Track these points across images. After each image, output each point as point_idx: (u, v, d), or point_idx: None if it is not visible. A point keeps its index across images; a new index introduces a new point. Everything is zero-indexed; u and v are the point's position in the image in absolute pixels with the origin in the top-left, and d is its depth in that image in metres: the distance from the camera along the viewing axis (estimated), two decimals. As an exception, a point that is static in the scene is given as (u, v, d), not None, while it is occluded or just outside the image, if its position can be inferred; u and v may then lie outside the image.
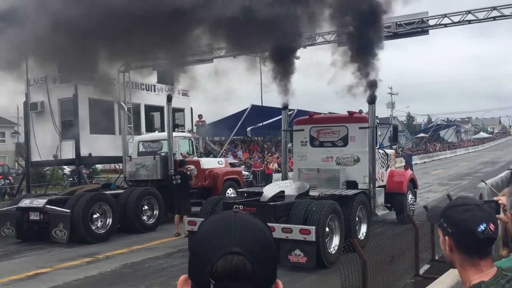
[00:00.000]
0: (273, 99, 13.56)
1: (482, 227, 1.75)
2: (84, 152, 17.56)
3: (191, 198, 13.26)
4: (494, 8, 15.08)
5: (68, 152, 17.60)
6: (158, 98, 20.98)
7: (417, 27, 15.75)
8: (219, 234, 1.10)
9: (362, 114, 12.64)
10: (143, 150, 16.31)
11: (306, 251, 8.54)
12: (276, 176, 28.09)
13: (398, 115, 71.35)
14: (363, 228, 10.65)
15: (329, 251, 9.08)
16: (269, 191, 10.34)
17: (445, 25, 15.71)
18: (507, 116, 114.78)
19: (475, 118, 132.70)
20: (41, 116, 18.28)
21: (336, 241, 9.42)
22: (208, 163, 16.63)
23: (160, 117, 21.85)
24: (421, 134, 73.13)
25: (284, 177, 13.17)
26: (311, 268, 8.58)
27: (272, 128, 34.14)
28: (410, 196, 13.66)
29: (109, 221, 12.65)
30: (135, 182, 15.44)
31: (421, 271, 8.31)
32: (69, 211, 11.77)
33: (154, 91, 21.14)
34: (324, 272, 8.64)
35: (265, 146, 33.79)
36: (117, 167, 24.46)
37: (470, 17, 15.39)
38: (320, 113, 13.89)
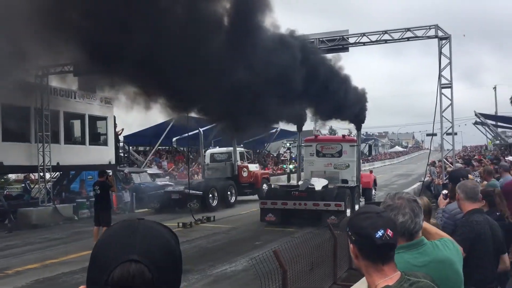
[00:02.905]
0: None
1: (379, 233, 1.83)
2: (-6, 161, 16.42)
3: (111, 208, 13.07)
4: (408, 29, 16.12)
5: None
6: (79, 105, 20.15)
7: (338, 44, 16.47)
8: (119, 241, 1.07)
9: (351, 136, 19.70)
10: (213, 159, 24.37)
11: (338, 216, 13.97)
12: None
13: (321, 129, 73.30)
14: (356, 207, 15.81)
15: (347, 216, 13.73)
16: (303, 184, 15.85)
17: (364, 44, 16.55)
18: (420, 131, 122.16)
19: (391, 133, 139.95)
20: None
21: (348, 211, 14.73)
22: (252, 167, 24.91)
23: (81, 125, 20.96)
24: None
25: (299, 178, 18.60)
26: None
27: (198, 138, 33.79)
28: (373, 191, 20.74)
29: (216, 200, 20.83)
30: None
31: (339, 280, 8.57)
32: (201, 192, 20.02)
33: (75, 98, 20.24)
34: (245, 283, 8.68)
35: (191, 156, 33.48)
36: (33, 176, 23.06)
37: (386, 36, 16.31)
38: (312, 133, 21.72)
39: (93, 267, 1.08)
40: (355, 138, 19.13)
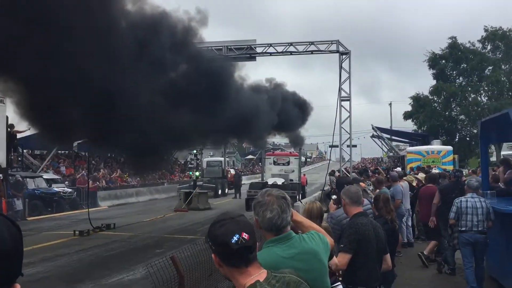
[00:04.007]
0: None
1: (235, 238, 1.85)
2: None
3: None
4: (312, 43, 16.81)
5: None
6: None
7: (245, 53, 16.73)
8: None
9: (295, 152, 28.61)
10: (208, 164, 36.32)
11: (293, 200, 18.30)
12: (102, 193, 26.72)
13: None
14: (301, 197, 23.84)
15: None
16: (271, 180, 23.68)
17: (270, 54, 16.98)
18: (323, 142, 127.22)
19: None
20: None
21: (299, 196, 23.27)
22: (232, 171, 37.82)
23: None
24: (250, 156, 76.96)
25: (262, 178, 27.00)
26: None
27: (101, 143, 32.57)
28: (306, 187, 30.39)
29: (220, 191, 32.50)
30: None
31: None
32: (214, 185, 31.40)
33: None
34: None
35: (93, 162, 32.00)
36: None
37: (292, 48, 16.91)
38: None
39: None
40: (297, 153, 28.34)
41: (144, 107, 11.55)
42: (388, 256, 4.39)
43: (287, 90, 21.36)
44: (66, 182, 26.43)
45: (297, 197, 24.16)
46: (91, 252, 12.24)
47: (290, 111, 20.49)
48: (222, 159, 37.99)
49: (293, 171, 26.84)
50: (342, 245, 4.07)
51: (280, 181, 24.54)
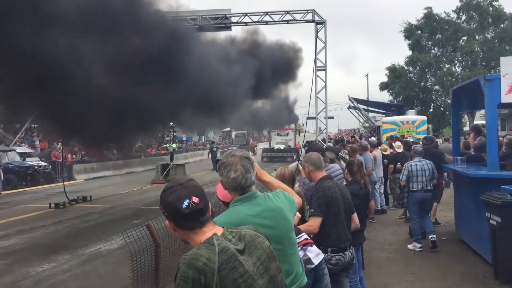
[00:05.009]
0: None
1: (185, 203, 1.92)
2: None
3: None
4: (287, 12, 16.65)
5: None
6: None
7: (220, 23, 16.46)
8: None
9: (291, 126, 38.98)
10: (235, 135, 50.54)
11: (292, 158, 34.07)
12: (78, 167, 26.44)
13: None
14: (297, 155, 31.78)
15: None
16: (276, 146, 37.66)
17: (246, 23, 16.77)
18: (301, 114, 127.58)
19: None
20: None
21: (295, 157, 33.07)
22: (250, 141, 53.07)
23: None
24: (227, 129, 76.60)
25: (269, 144, 39.24)
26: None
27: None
28: (299, 152, 30.96)
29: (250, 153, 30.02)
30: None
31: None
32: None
33: None
34: (119, 260, 8.44)
35: (67, 135, 31.47)
36: None
37: (267, 18, 16.70)
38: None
39: None
40: (293, 128, 38.35)
41: (89, 79, 10.57)
42: (355, 215, 4.53)
43: (272, 42, 19.48)
44: (43, 158, 26.07)
45: (294, 157, 33.01)
46: (68, 224, 12.19)
47: (267, 80, 19.15)
48: (245, 131, 50.17)
49: (290, 139, 38.04)
50: (312, 210, 4.16)
51: (282, 146, 36.60)
